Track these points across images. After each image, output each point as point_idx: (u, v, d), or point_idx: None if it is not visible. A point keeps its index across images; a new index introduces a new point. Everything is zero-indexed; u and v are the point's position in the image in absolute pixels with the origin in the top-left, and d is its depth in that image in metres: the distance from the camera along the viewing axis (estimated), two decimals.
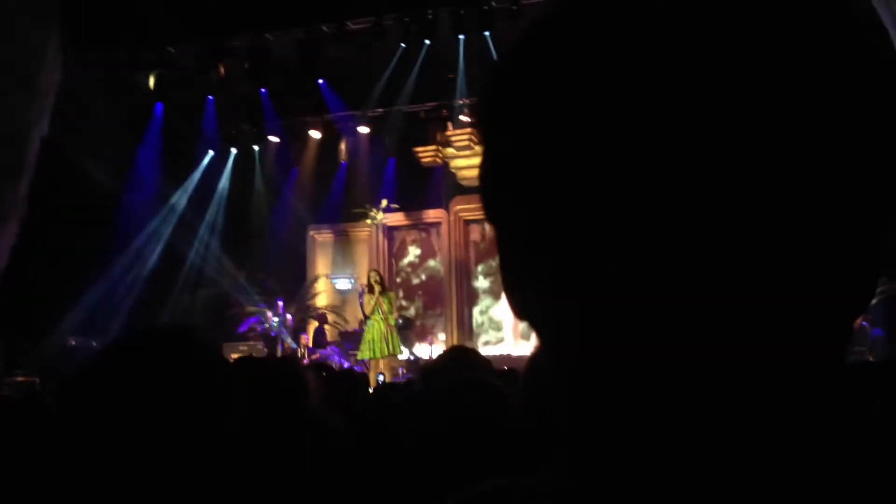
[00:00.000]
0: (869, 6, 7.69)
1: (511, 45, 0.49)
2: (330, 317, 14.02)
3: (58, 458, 1.37)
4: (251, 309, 13.57)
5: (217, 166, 15.16)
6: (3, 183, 8.68)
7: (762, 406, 0.42)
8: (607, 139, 0.41)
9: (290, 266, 14.72)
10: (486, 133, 0.50)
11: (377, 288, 11.06)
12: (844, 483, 0.42)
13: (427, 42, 12.55)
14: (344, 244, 15.10)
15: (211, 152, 15.05)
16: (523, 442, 1.59)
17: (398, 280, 14.58)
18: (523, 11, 11.13)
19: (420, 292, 13.98)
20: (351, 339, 12.60)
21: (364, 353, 11.10)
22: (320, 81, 13.79)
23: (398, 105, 13.81)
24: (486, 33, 11.70)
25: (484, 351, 10.85)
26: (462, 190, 13.50)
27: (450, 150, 13.55)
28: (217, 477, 1.24)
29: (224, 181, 15.17)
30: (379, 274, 11.49)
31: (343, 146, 15.01)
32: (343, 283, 14.69)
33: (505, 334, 13.64)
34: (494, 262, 13.22)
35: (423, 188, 14.22)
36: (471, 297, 14.07)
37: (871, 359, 8.78)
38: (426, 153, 13.91)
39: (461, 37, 12.47)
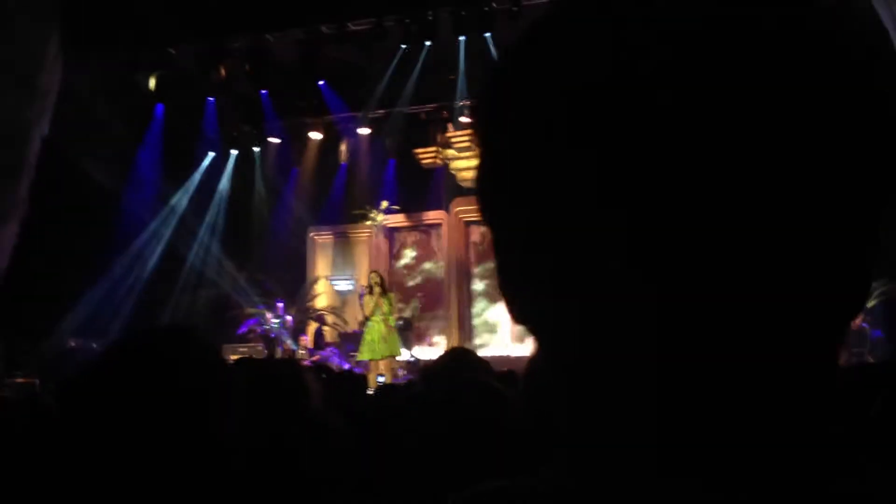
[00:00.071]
0: (869, 6, 7.70)
1: (511, 46, 0.49)
2: (329, 318, 14.02)
3: (58, 459, 1.37)
4: (251, 310, 13.57)
5: (217, 167, 15.17)
6: (3, 183, 8.69)
7: (762, 406, 0.42)
8: (607, 139, 0.42)
9: (290, 267, 14.72)
10: (485, 133, 0.50)
11: (377, 289, 11.06)
12: (844, 483, 0.42)
13: (427, 43, 12.54)
14: (344, 245, 15.10)
15: (211, 153, 15.05)
16: (523, 443, 1.58)
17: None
18: (524, 12, 11.13)
19: (420, 294, 13.97)
20: (351, 341, 12.59)
21: (364, 355, 11.11)
22: (321, 83, 13.79)
23: (399, 106, 13.81)
24: (487, 34, 11.70)
25: (479, 353, 10.82)
26: (462, 191, 13.50)
27: (450, 152, 13.55)
28: (217, 477, 1.24)
29: (224, 182, 15.17)
30: (379, 275, 11.49)
31: (343, 147, 15.02)
32: (343, 285, 14.70)
33: (500, 337, 13.64)
34: (492, 265, 13.15)
35: (423, 189, 14.22)
36: (471, 299, 14.07)
37: (870, 360, 8.78)
38: (426, 154, 13.92)
39: (462, 38, 12.46)
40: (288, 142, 15.04)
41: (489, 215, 0.50)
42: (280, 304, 13.15)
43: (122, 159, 13.38)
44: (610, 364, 0.44)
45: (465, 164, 13.23)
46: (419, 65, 13.13)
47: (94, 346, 11.29)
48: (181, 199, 14.67)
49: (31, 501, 1.54)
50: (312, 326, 13.60)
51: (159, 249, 14.17)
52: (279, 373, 2.30)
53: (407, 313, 13.81)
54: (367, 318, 11.25)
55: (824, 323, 0.43)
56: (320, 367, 7.46)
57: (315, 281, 14.65)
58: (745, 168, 0.40)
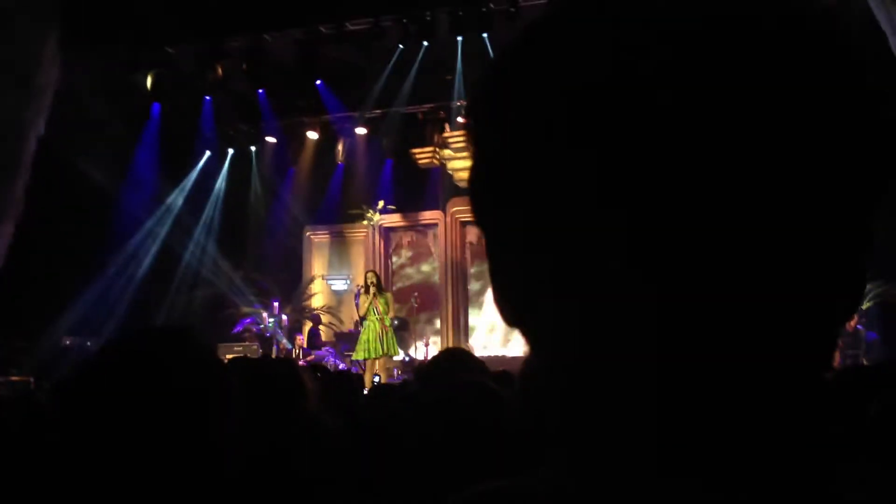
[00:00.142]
0: (867, 11, 7.72)
1: (509, 45, 0.48)
2: (325, 318, 14.02)
3: (53, 459, 1.37)
4: (247, 309, 13.57)
5: (214, 166, 15.17)
6: None
7: (761, 406, 0.42)
8: (607, 139, 0.41)
9: (286, 267, 14.73)
10: (481, 133, 0.49)
11: (373, 289, 11.07)
12: (844, 483, 0.42)
13: (425, 43, 12.56)
14: (340, 245, 15.10)
15: (208, 152, 15.05)
16: (519, 443, 1.58)
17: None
18: (521, 13, 11.15)
19: (416, 294, 13.98)
20: (346, 340, 12.60)
21: (359, 354, 11.12)
22: (318, 82, 13.78)
23: (396, 106, 13.81)
24: (485, 35, 11.71)
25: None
26: (459, 191, 13.51)
27: (447, 152, 13.56)
28: (214, 478, 1.23)
29: (221, 181, 15.17)
30: (376, 275, 11.49)
31: (340, 147, 15.01)
32: (339, 284, 14.70)
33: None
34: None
35: (419, 190, 14.23)
36: (467, 299, 14.09)
37: (864, 362, 8.80)
38: (423, 154, 13.92)
39: (459, 38, 12.47)
40: (285, 141, 15.03)
41: (483, 216, 0.50)
42: (276, 304, 13.15)
43: (118, 158, 13.37)
44: (610, 364, 0.43)
45: (461, 165, 13.23)
46: (416, 65, 13.14)
47: (90, 344, 11.29)
48: (177, 198, 14.66)
49: (26, 500, 1.54)
50: (308, 326, 13.59)
51: (155, 248, 14.17)
52: (277, 373, 2.29)
53: (402, 313, 13.82)
54: (362, 318, 11.25)
55: (819, 323, 0.43)
56: (315, 367, 7.46)
57: (311, 280, 14.65)
58: (742, 168, 0.40)
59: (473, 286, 14.06)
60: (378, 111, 14.15)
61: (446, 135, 13.57)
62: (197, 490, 1.21)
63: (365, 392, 6.12)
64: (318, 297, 14.55)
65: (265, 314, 13.08)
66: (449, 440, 1.61)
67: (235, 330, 13.24)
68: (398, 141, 14.21)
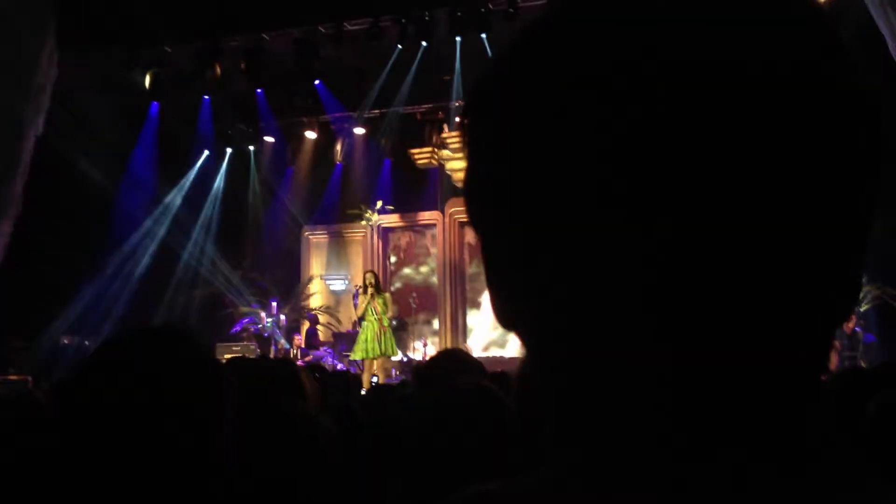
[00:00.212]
0: (867, 18, 7.74)
1: (507, 46, 0.48)
2: (323, 318, 14.02)
3: (50, 458, 1.37)
4: (245, 309, 13.56)
5: (212, 166, 15.15)
6: None
7: (761, 406, 0.42)
8: (608, 139, 0.41)
9: (284, 266, 14.73)
10: (478, 133, 0.49)
11: (371, 289, 11.06)
12: (844, 483, 0.42)
13: (424, 44, 12.55)
14: (338, 245, 15.10)
15: (206, 152, 15.03)
16: (518, 443, 1.58)
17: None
18: (520, 13, 11.15)
19: (414, 294, 13.99)
20: (344, 341, 12.59)
21: (357, 354, 11.12)
22: (316, 82, 13.78)
23: (394, 106, 13.81)
24: (483, 35, 11.71)
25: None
26: (457, 192, 13.50)
27: (445, 152, 13.55)
28: (211, 478, 1.23)
29: (219, 181, 15.16)
30: (374, 275, 11.49)
31: (339, 147, 15.01)
32: (337, 284, 14.70)
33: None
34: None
35: (418, 190, 14.23)
36: (465, 300, 14.09)
37: (862, 364, 8.80)
38: (422, 155, 13.91)
39: (458, 38, 12.47)
40: (283, 141, 15.02)
41: (479, 217, 0.50)
42: (274, 304, 13.14)
43: (116, 158, 13.37)
44: (610, 364, 0.43)
45: (460, 165, 13.16)
46: (415, 65, 13.13)
47: (88, 344, 11.29)
48: (175, 198, 14.65)
49: (23, 499, 1.53)
50: (306, 326, 13.59)
51: (153, 248, 14.15)
52: (275, 373, 2.29)
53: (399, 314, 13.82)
54: (361, 318, 11.24)
55: (815, 325, 0.43)
56: (314, 367, 7.46)
57: (309, 280, 14.65)
58: (741, 167, 0.40)
59: (472, 286, 14.06)
60: (377, 111, 14.15)
61: (445, 135, 13.56)
62: (194, 490, 1.21)
63: (363, 392, 6.14)
64: (316, 298, 14.54)
65: (263, 314, 13.08)
66: (447, 441, 1.61)
67: (234, 330, 13.23)
68: (397, 141, 14.20)
